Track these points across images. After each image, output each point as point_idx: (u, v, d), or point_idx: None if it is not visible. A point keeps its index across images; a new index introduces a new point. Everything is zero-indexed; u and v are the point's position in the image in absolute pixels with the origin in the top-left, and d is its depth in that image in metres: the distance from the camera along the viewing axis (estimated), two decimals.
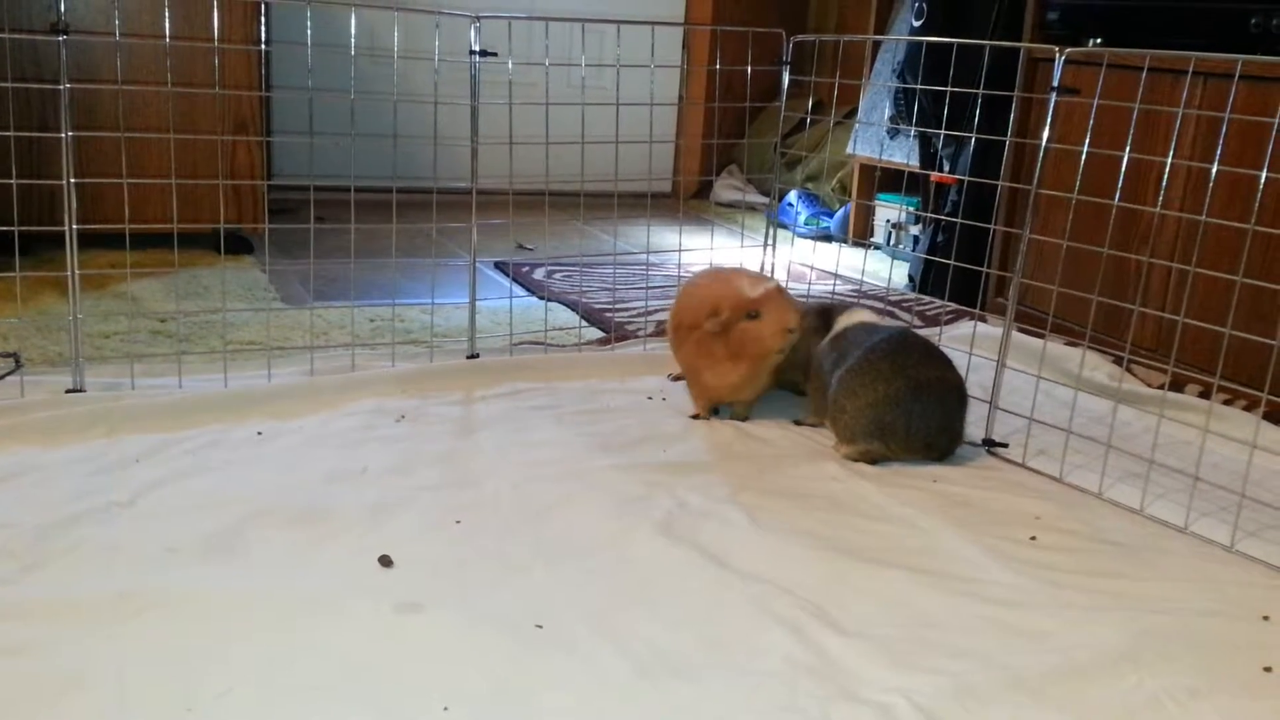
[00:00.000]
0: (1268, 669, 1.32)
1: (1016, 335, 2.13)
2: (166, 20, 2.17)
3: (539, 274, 3.16)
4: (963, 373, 1.99)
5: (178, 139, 2.53)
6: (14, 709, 1.12)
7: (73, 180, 1.89)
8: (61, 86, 1.87)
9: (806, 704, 1.20)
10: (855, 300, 2.18)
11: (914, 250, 3.47)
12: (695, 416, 2.09)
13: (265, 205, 3.04)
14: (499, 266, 3.22)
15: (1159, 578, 1.55)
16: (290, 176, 3.71)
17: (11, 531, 1.48)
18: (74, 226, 1.92)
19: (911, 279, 3.35)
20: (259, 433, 1.88)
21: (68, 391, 1.96)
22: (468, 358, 2.31)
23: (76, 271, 1.94)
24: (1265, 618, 1.45)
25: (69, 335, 1.99)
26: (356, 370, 2.17)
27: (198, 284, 2.76)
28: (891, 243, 3.72)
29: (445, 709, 1.16)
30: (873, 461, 1.90)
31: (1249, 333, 1.75)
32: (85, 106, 2.63)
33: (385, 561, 1.46)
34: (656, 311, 2.79)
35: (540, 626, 1.32)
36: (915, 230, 3.60)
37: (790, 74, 2.50)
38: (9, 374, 2.02)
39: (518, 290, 2.96)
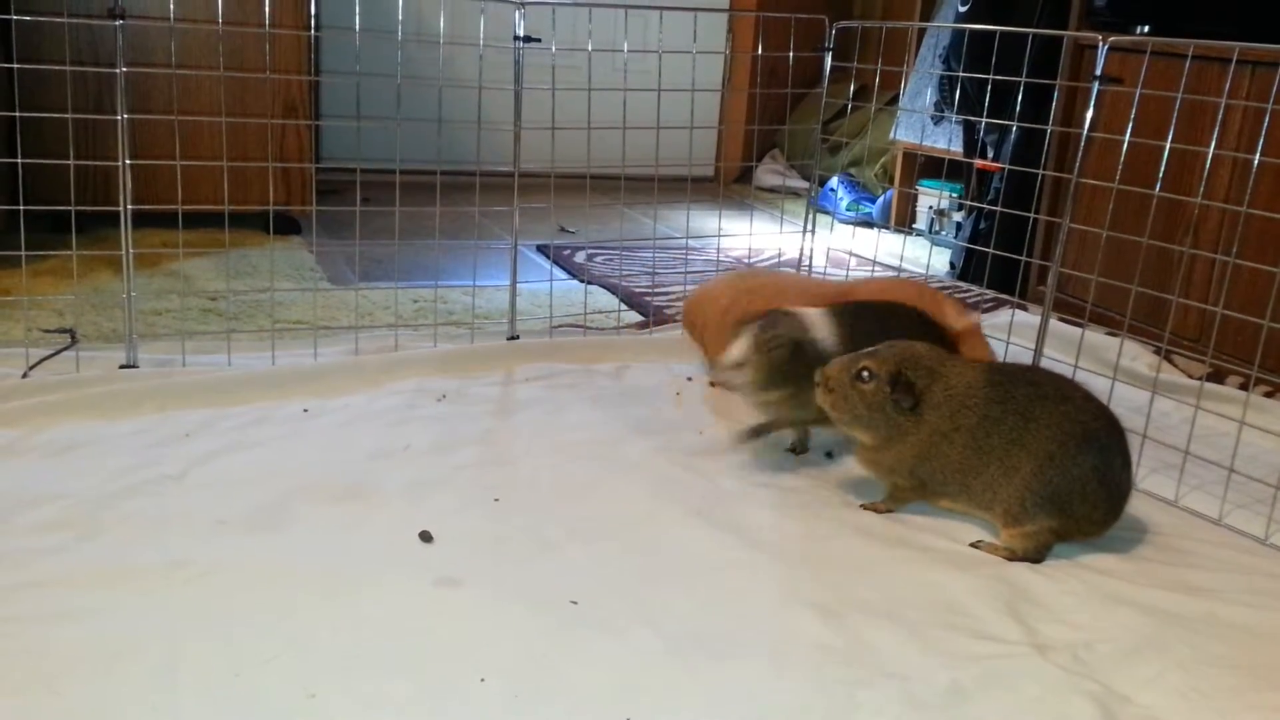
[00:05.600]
0: None
1: (1055, 324, 2.13)
2: (219, 5, 2.21)
3: (579, 257, 3.19)
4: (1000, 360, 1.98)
5: (229, 122, 2.58)
6: (70, 672, 1.17)
7: (128, 161, 1.95)
8: (118, 70, 1.92)
9: (834, 686, 1.22)
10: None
11: (956, 237, 3.46)
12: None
13: (313, 187, 3.09)
14: (540, 249, 3.25)
15: (1190, 567, 1.55)
16: (337, 159, 3.76)
17: (67, 502, 1.53)
18: (128, 206, 1.97)
19: (953, 266, 3.34)
20: (305, 410, 1.93)
21: (121, 367, 2.02)
22: (508, 339, 2.34)
23: (130, 250, 2.00)
24: None
25: (123, 312, 2.05)
26: (400, 350, 2.21)
27: (247, 263, 2.82)
28: (934, 229, 3.70)
29: (482, 680, 1.19)
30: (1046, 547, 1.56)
31: None
32: (140, 90, 2.69)
33: (425, 537, 1.49)
34: None
35: (575, 603, 1.35)
36: (958, 217, 3.59)
37: (833, 60, 2.51)
38: (65, 349, 2.08)
39: (558, 273, 2.99)
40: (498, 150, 2.28)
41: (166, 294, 2.51)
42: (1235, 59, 1.94)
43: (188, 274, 2.68)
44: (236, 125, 2.78)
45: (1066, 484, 1.50)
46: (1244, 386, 2.14)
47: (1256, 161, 1.78)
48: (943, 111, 3.48)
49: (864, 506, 1.68)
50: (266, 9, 2.13)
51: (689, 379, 2.22)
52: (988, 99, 2.34)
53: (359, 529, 1.52)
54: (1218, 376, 2.24)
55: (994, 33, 2.28)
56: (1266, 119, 1.87)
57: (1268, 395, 2.19)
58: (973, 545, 1.57)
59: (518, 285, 2.37)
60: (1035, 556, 1.53)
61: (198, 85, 2.82)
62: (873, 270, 2.86)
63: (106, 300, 2.42)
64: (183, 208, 2.06)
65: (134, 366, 2.03)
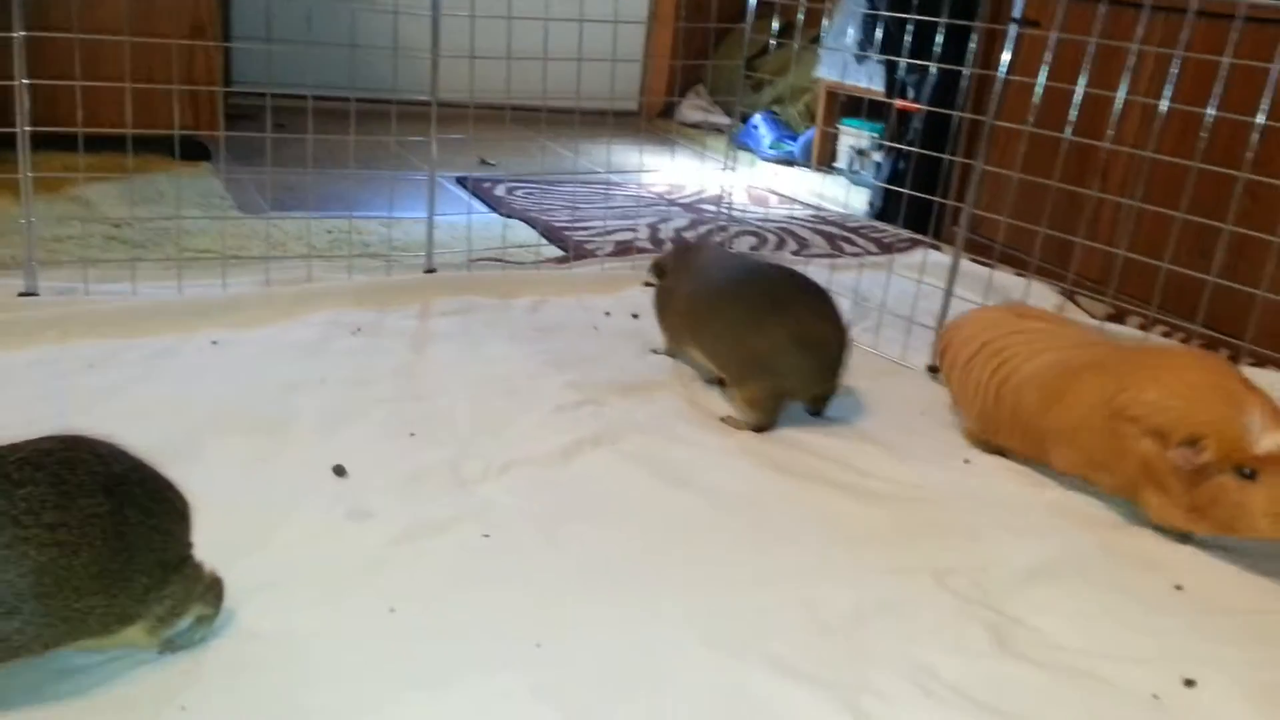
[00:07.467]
0: (1179, 587, 1.39)
1: (966, 264, 2.17)
2: None
3: (499, 190, 3.15)
4: (912, 300, 2.02)
5: (134, 42, 2.48)
6: None
7: (25, 80, 1.87)
8: None
9: (743, 608, 1.25)
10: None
11: (876, 177, 3.49)
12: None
13: (223, 111, 2.99)
14: (459, 181, 3.21)
15: (1089, 496, 1.61)
16: (249, 83, 3.65)
17: None
18: (26, 128, 1.89)
19: (871, 205, 3.38)
20: (214, 342, 1.89)
21: (20, 295, 1.96)
22: (425, 272, 2.32)
23: (29, 174, 1.93)
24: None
25: (22, 238, 1.98)
26: (313, 282, 2.17)
27: (153, 189, 2.73)
28: (854, 169, 3.73)
29: (391, 610, 1.20)
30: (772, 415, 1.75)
31: (1192, 269, 1.79)
32: (39, 5, 2.56)
33: (339, 471, 1.48)
34: (616, 231, 2.81)
35: (487, 536, 1.36)
36: (878, 157, 3.62)
37: None
38: None
39: (478, 206, 2.95)
40: (415, 78, 2.23)
41: (68, 220, 2.43)
42: (1150, 4, 1.97)
43: (90, 199, 2.59)
44: (142, 45, 2.67)
45: (765, 346, 1.70)
46: (1144, 327, 2.22)
47: (1164, 107, 1.82)
48: (865, 50, 3.49)
49: (723, 420, 1.77)
50: None
51: (606, 314, 2.22)
52: (908, 39, 2.35)
53: (271, 462, 1.50)
54: (1119, 317, 2.31)
55: None
56: (1174, 65, 1.91)
57: (1165, 335, 2.26)
58: (721, 420, 1.76)
59: (436, 218, 2.34)
60: (765, 424, 1.73)
61: (101, 1, 2.69)
62: (793, 209, 2.87)
63: (4, 226, 2.32)
64: (84, 130, 1.98)
65: (34, 294, 1.96)
